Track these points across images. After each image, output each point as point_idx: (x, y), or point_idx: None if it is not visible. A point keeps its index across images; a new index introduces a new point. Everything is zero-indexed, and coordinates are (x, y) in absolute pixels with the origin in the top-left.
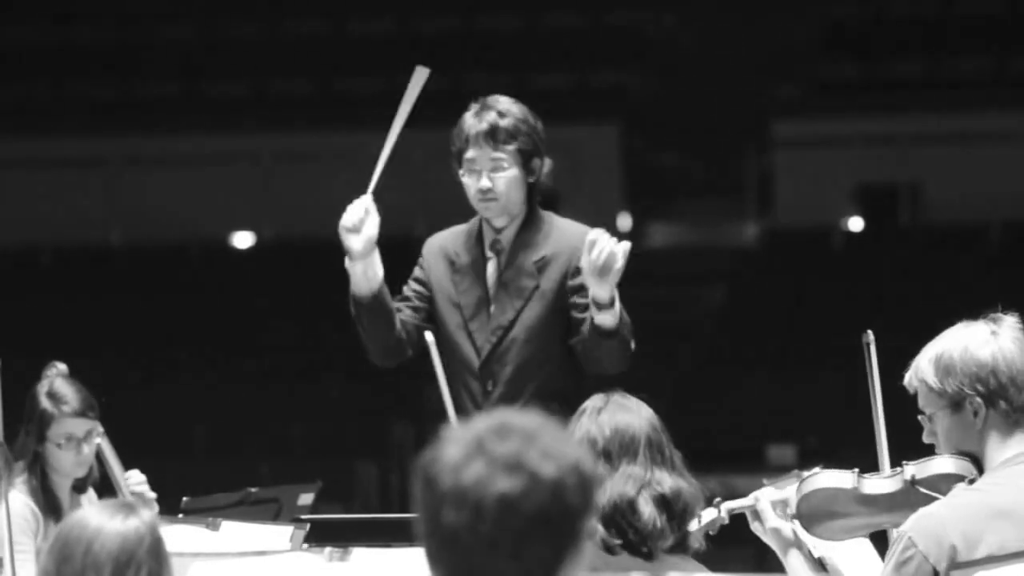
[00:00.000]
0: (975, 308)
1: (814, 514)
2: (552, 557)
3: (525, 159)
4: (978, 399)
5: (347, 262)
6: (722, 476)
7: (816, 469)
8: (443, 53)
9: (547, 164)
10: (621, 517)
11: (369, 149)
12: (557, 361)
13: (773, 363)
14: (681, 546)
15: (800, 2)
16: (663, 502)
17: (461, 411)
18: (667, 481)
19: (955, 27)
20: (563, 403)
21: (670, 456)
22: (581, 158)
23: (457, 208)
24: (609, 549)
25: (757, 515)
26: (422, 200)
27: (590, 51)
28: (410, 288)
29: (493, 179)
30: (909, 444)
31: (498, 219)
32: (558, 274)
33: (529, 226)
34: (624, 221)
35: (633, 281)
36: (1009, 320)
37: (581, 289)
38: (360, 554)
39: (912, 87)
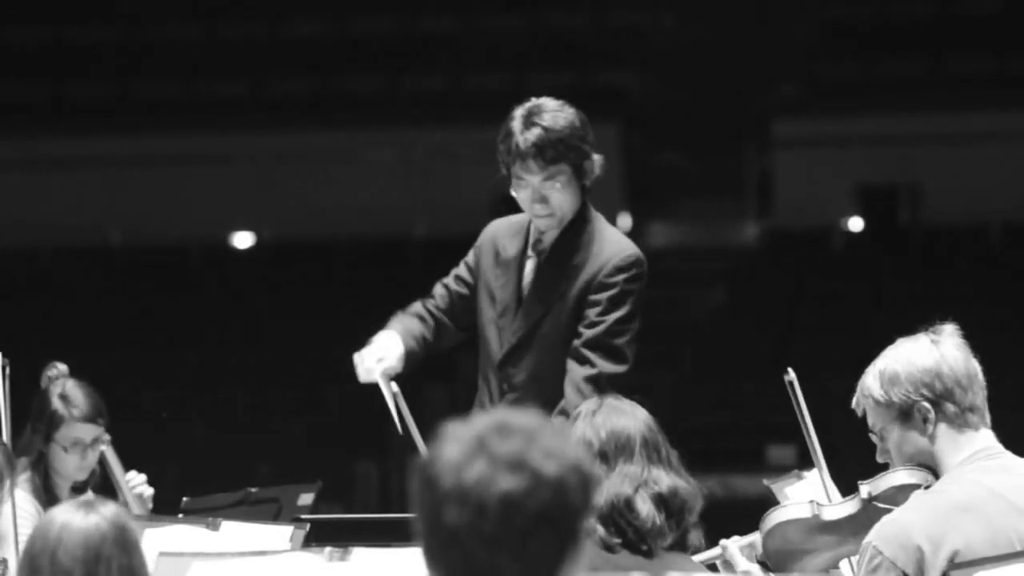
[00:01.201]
0: (975, 308)
1: (781, 552)
2: (554, 556)
3: (576, 168)
4: (925, 404)
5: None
6: (722, 476)
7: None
8: (443, 53)
9: (596, 163)
10: (620, 516)
11: (369, 149)
12: None
13: (773, 363)
14: (680, 544)
15: (800, 2)
16: (661, 500)
17: (481, 403)
18: (664, 480)
19: (955, 27)
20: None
21: (667, 455)
22: None
23: (457, 208)
24: (609, 548)
25: (727, 564)
26: (422, 200)
27: (590, 51)
28: (455, 273)
29: (548, 196)
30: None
31: (553, 231)
32: (583, 285)
33: (573, 230)
34: (624, 221)
35: None
36: (949, 328)
37: (594, 305)
38: (360, 554)
39: (912, 87)
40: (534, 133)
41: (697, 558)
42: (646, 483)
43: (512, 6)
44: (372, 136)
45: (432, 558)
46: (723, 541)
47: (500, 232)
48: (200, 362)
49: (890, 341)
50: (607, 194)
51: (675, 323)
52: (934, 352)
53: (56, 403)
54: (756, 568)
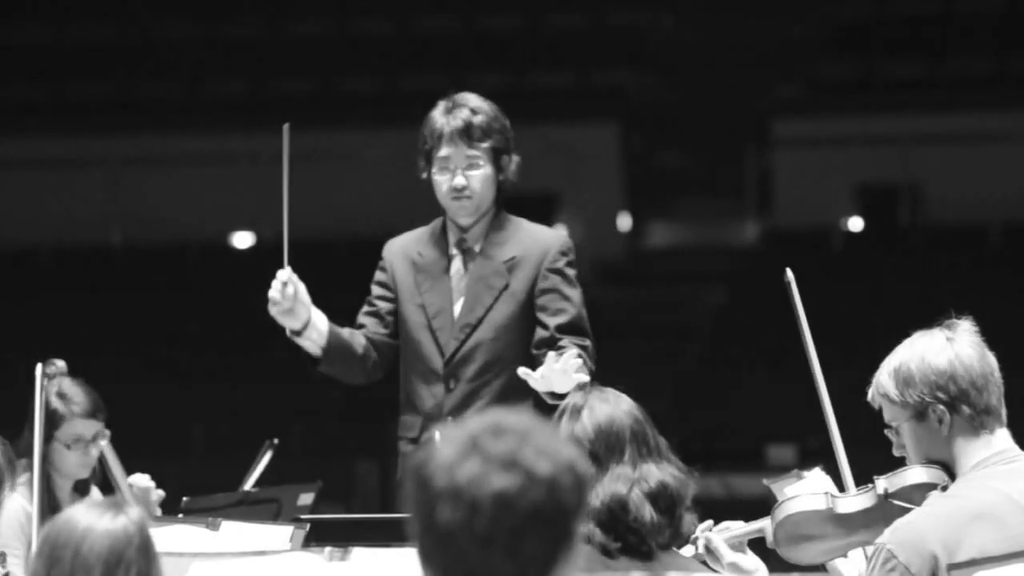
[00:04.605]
0: (975, 308)
1: (792, 540)
2: (547, 555)
3: (497, 157)
4: (941, 407)
5: (290, 335)
6: (722, 476)
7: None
8: (443, 53)
9: (514, 161)
10: (617, 519)
11: (369, 149)
12: (522, 361)
13: (773, 363)
14: (675, 538)
15: (800, 2)
16: (653, 497)
17: (419, 411)
18: (654, 474)
19: (955, 27)
20: (524, 401)
21: (655, 444)
22: (581, 158)
23: None
24: (608, 553)
25: (711, 553)
26: (417, 201)
27: (590, 51)
28: (373, 296)
29: (468, 177)
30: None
31: (467, 218)
32: (528, 275)
33: (498, 225)
34: (624, 221)
35: (633, 281)
36: (964, 325)
37: (549, 292)
38: (360, 554)
39: (912, 87)
40: (462, 113)
41: (685, 553)
42: (638, 481)
43: (511, 6)
44: (372, 136)
45: (426, 558)
46: (707, 533)
47: (407, 243)
48: (200, 362)
49: (890, 341)
50: (607, 194)
51: (676, 323)
52: (948, 351)
53: (55, 401)
54: (739, 556)
